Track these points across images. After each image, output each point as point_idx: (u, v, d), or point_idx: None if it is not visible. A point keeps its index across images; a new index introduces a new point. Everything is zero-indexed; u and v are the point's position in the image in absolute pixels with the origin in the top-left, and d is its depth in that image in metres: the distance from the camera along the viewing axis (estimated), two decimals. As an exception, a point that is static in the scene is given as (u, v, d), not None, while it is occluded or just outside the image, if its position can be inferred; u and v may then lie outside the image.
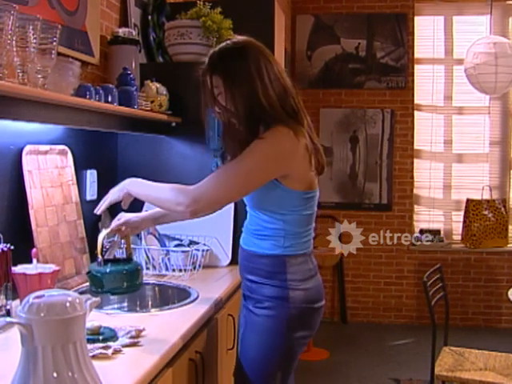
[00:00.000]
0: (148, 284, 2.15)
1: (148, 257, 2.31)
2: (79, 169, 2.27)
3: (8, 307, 1.58)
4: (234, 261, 2.41)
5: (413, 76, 5.22)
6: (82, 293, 1.87)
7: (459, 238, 5.18)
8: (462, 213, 5.10)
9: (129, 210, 1.87)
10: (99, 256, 1.78)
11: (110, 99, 1.99)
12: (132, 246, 2.07)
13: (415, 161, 5.26)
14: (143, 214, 1.95)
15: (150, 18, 2.85)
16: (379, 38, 5.24)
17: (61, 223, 2.06)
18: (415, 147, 5.26)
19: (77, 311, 1.07)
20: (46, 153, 2.04)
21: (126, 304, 2.11)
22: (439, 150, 5.28)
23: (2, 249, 1.57)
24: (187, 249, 2.32)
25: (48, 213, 1.99)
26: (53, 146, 2.09)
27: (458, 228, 5.22)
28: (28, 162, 1.92)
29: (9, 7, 1.35)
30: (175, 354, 1.52)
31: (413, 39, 5.21)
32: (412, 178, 5.25)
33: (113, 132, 2.50)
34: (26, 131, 1.93)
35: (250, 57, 1.66)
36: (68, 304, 1.07)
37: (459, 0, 5.15)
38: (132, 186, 1.77)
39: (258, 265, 1.76)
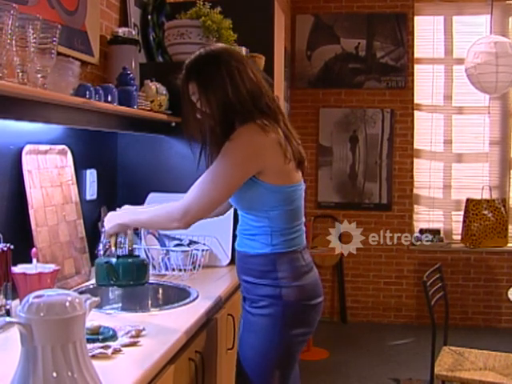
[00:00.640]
0: (148, 284, 2.15)
1: (148, 256, 2.31)
2: (79, 168, 2.27)
3: (8, 307, 1.58)
4: (233, 261, 2.40)
5: (412, 76, 5.22)
6: (81, 293, 1.87)
7: (459, 237, 5.19)
8: (462, 212, 5.10)
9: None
10: (113, 248, 1.86)
11: (109, 99, 1.99)
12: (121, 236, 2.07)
13: (415, 160, 5.26)
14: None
15: (149, 17, 2.85)
16: (379, 38, 5.24)
17: (60, 223, 2.06)
18: (415, 147, 5.26)
19: (76, 311, 1.07)
20: (45, 152, 2.04)
21: (125, 304, 2.11)
22: (439, 150, 5.28)
23: (2, 248, 1.57)
24: (187, 249, 2.31)
25: (48, 212, 1.99)
26: (52, 146, 2.09)
27: (457, 228, 5.22)
28: (28, 162, 1.92)
29: (8, 7, 1.35)
30: (175, 353, 1.52)
31: (413, 39, 5.21)
32: (412, 177, 5.26)
33: (112, 132, 2.50)
34: (25, 131, 1.93)
35: (221, 60, 1.74)
36: (68, 304, 1.07)
37: (459, 0, 5.15)
38: (122, 218, 1.85)
39: (250, 265, 1.78)
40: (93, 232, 2.35)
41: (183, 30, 2.57)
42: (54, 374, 1.04)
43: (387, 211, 5.25)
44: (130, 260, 1.87)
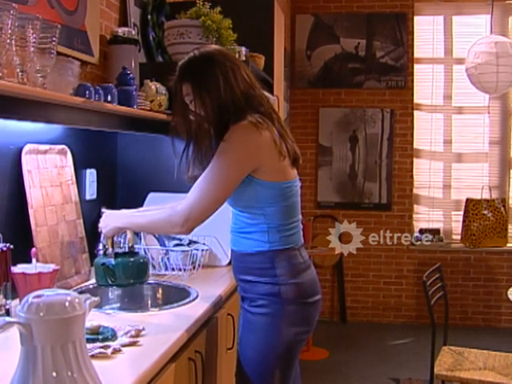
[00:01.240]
0: (147, 283, 2.15)
1: (147, 256, 2.31)
2: (79, 168, 2.27)
3: (7, 307, 1.58)
4: (233, 260, 2.41)
5: (412, 76, 5.22)
6: (81, 292, 1.87)
7: (459, 237, 5.18)
8: (462, 212, 5.10)
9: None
10: (110, 248, 1.86)
11: (109, 99, 1.99)
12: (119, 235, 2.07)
13: (415, 160, 5.26)
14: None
15: (149, 17, 2.85)
16: (379, 38, 5.24)
17: (60, 223, 2.06)
18: (415, 147, 5.26)
19: (76, 311, 1.07)
20: (45, 152, 2.04)
21: (125, 304, 2.11)
22: (439, 150, 5.28)
23: (2, 248, 1.57)
24: (187, 248, 2.32)
25: (47, 212, 1.99)
26: (52, 146, 2.09)
27: (457, 228, 5.22)
28: (27, 162, 1.92)
29: (8, 6, 1.35)
30: (175, 353, 1.52)
31: (412, 39, 5.21)
32: (411, 177, 5.26)
33: (112, 131, 2.50)
34: (25, 131, 1.93)
35: (215, 61, 1.75)
36: (67, 303, 1.07)
37: (459, 0, 5.15)
38: (119, 221, 1.85)
39: (247, 263, 1.78)
40: (92, 232, 2.35)
41: (183, 29, 2.57)
42: (54, 374, 1.04)
43: (387, 211, 5.25)
44: (129, 259, 1.86)
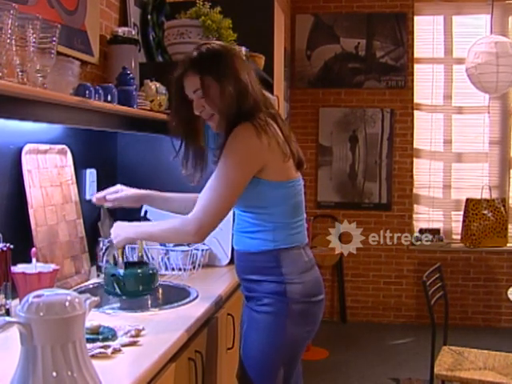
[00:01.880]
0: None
1: (148, 256, 2.31)
2: (79, 168, 2.27)
3: (7, 307, 1.58)
4: (233, 260, 2.41)
5: (412, 75, 5.22)
6: (81, 292, 1.87)
7: (459, 237, 5.18)
8: (462, 212, 5.10)
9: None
10: (120, 259, 1.88)
11: (109, 98, 1.99)
12: (130, 245, 2.08)
13: (415, 160, 5.26)
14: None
15: (149, 17, 2.85)
16: (379, 38, 5.24)
17: (60, 222, 2.06)
18: (415, 147, 5.26)
19: (76, 310, 1.07)
20: (45, 152, 2.04)
21: (125, 303, 2.10)
22: (439, 150, 5.28)
23: (2, 248, 1.57)
24: (187, 248, 2.31)
25: (47, 212, 1.99)
26: (52, 146, 2.09)
27: (457, 227, 5.22)
28: (27, 162, 1.92)
29: (8, 6, 1.35)
30: (175, 353, 1.52)
31: (412, 39, 5.21)
32: (411, 177, 5.25)
33: (112, 131, 2.50)
34: (25, 130, 1.93)
35: (233, 57, 1.75)
36: (67, 303, 1.07)
37: (459, 0, 5.15)
38: (131, 232, 1.84)
39: (252, 263, 1.78)
40: (92, 231, 2.35)
41: (183, 29, 2.57)
42: (54, 374, 1.04)
43: (387, 211, 5.25)
44: (138, 270, 1.88)
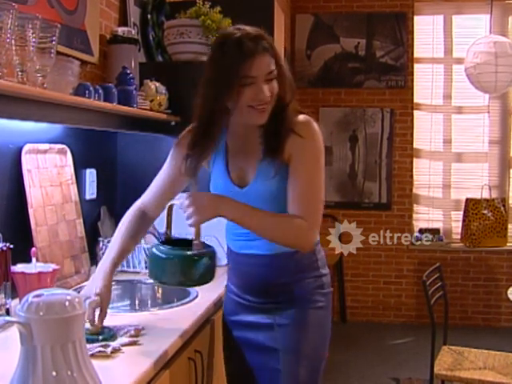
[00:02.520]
0: (147, 283, 2.15)
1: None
2: (79, 168, 2.27)
3: (7, 306, 1.58)
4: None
5: (412, 75, 5.22)
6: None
7: (458, 237, 5.18)
8: (462, 212, 5.10)
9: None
10: (197, 240, 1.54)
11: (109, 98, 1.99)
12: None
13: (414, 160, 5.26)
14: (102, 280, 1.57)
15: (149, 17, 2.85)
16: (379, 38, 5.24)
17: (60, 222, 2.06)
18: (414, 146, 5.26)
19: (76, 310, 1.07)
20: (45, 152, 2.04)
21: (125, 303, 2.11)
22: (438, 150, 5.28)
23: (2, 248, 1.57)
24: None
25: (47, 212, 1.99)
26: (52, 145, 2.09)
27: (457, 227, 5.22)
28: (27, 161, 1.92)
29: (8, 6, 1.35)
30: (174, 353, 1.52)
31: (412, 38, 5.21)
32: (411, 177, 5.25)
33: (112, 131, 2.50)
34: (25, 130, 1.92)
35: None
36: (67, 303, 1.07)
37: (459, 0, 5.16)
38: (222, 208, 1.54)
39: (294, 262, 1.68)
40: (92, 231, 2.35)
41: (183, 29, 2.57)
42: (54, 374, 1.04)
43: (387, 211, 5.25)
44: (207, 258, 1.54)
